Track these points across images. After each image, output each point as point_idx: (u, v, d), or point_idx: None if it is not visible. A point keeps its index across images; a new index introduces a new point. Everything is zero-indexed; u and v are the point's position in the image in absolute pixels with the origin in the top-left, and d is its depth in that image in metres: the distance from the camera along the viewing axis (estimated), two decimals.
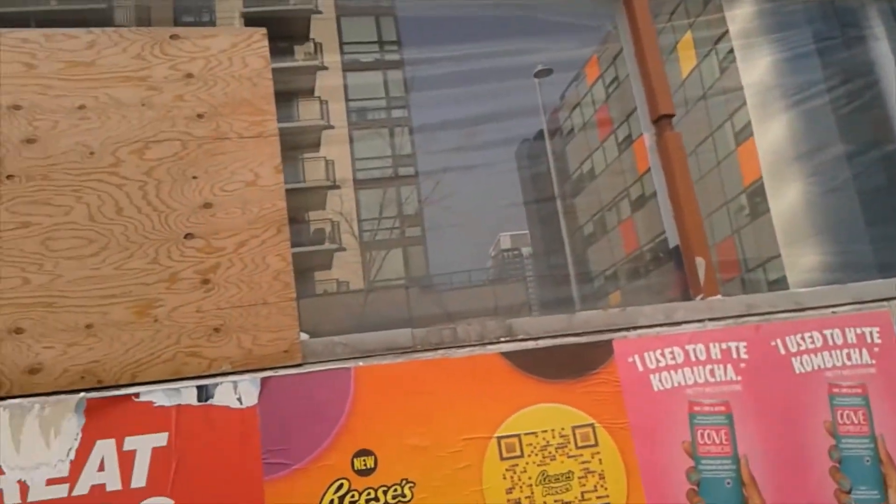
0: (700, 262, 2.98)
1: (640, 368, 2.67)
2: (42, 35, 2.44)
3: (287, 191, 2.61)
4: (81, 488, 2.09)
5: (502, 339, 2.60)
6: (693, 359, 2.74)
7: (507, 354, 2.55)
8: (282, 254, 2.45)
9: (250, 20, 3.23)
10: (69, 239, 2.29)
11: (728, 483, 2.65)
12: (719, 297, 2.97)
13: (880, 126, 4.06)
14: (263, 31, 2.65)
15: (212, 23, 3.49)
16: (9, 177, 2.30)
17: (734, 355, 2.78)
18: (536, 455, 2.45)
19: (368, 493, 2.30)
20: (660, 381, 2.67)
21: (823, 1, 4.12)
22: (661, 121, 3.12)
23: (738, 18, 4.63)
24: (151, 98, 2.47)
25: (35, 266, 2.24)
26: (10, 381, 2.14)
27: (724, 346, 2.78)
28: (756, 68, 4.99)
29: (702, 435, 2.68)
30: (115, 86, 2.45)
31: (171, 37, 2.53)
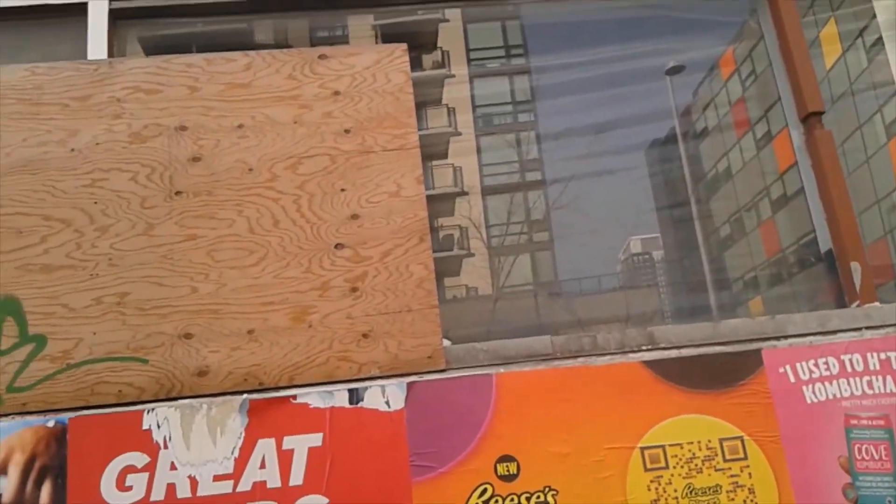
0: (856, 266, 2.83)
1: (792, 379, 2.56)
2: (204, 59, 2.63)
3: None
4: (244, 485, 2.24)
5: (644, 348, 2.56)
6: (849, 370, 2.60)
7: (648, 363, 2.51)
8: (424, 262, 2.53)
9: (382, 34, 3.34)
10: (232, 250, 2.45)
11: (889, 501, 2.50)
12: (877, 303, 2.80)
13: None
14: (404, 46, 2.75)
15: (345, 37, 3.63)
16: (177, 193, 2.50)
17: (894, 366, 2.61)
18: (682, 467, 2.40)
19: (511, 499, 2.33)
20: (813, 392, 2.55)
21: None
22: (810, 119, 2.98)
23: (886, 8, 4.34)
24: (303, 116, 2.61)
25: (202, 276, 2.42)
26: (180, 383, 2.32)
27: (882, 356, 2.62)
28: None
29: (859, 450, 2.54)
30: (270, 105, 2.61)
31: (320, 56, 2.67)
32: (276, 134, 2.58)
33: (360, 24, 3.65)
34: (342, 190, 2.56)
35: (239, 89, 2.61)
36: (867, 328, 2.66)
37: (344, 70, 2.68)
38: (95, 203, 2.44)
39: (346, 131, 2.62)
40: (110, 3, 2.71)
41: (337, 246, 2.50)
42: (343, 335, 2.39)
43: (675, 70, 4.45)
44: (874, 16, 4.51)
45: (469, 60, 5.64)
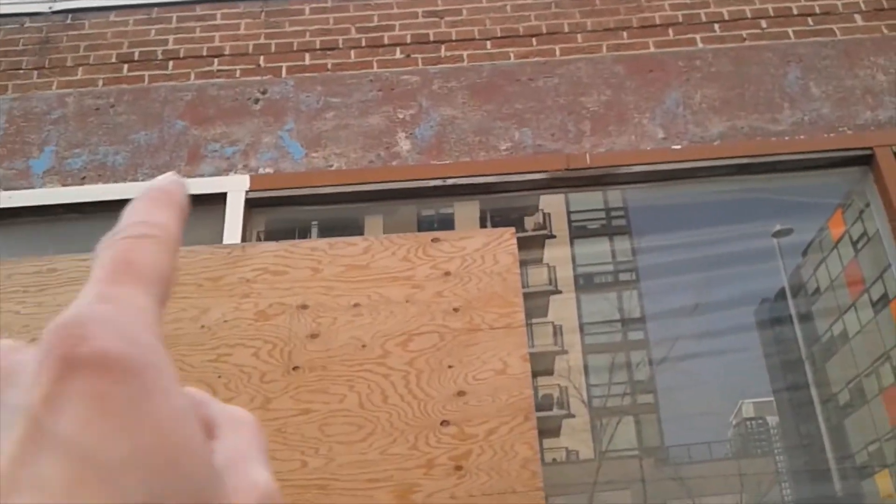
0: None
1: None
2: (327, 244, 2.85)
3: None
4: None
5: None
6: None
7: None
8: (529, 442, 2.53)
9: (486, 201, 3.54)
10: (342, 425, 2.54)
11: None
12: None
13: None
14: (512, 230, 2.89)
15: (450, 217, 3.83)
16: (294, 368, 2.64)
17: None
18: None
19: None
20: None
21: None
22: None
23: None
24: (415, 295, 2.75)
25: (313, 450, 2.50)
26: None
27: None
28: None
29: None
30: (385, 285, 2.77)
31: (433, 240, 2.84)
32: (390, 312, 2.72)
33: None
34: (449, 367, 2.63)
35: (357, 270, 2.80)
36: None
37: (455, 252, 2.83)
38: (219, 377, 2.60)
39: (455, 310, 2.73)
40: (247, 194, 3.00)
41: (443, 423, 2.54)
42: None
43: (783, 233, 4.44)
44: None
45: (570, 221, 5.79)
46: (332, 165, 3.22)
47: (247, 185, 3.06)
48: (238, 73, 3.49)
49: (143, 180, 3.23)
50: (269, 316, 2.70)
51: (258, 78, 3.43)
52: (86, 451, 0.22)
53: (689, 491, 5.11)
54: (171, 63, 3.58)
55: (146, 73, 3.57)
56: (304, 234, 3.51)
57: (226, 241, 2.97)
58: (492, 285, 2.78)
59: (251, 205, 3.02)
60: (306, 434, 2.53)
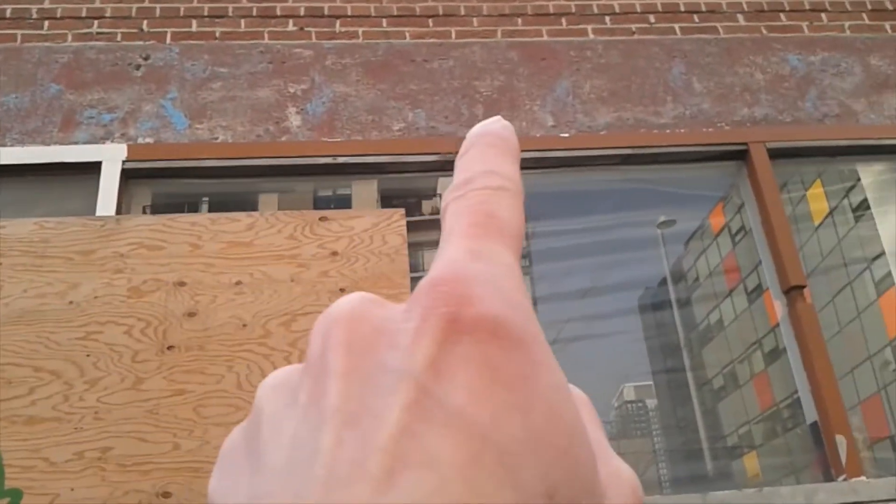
0: (840, 440, 2.83)
1: None
2: (208, 219, 2.75)
3: None
4: None
5: None
6: None
7: None
8: None
9: (384, 185, 3.50)
10: (218, 406, 2.47)
11: None
12: (863, 478, 2.78)
13: None
14: (402, 211, 2.87)
15: (347, 198, 3.79)
16: (169, 347, 2.54)
17: None
18: None
19: None
20: None
21: None
22: (792, 292, 3.07)
23: (870, 172, 4.56)
24: (300, 274, 2.69)
25: (186, 432, 2.42)
26: None
27: None
28: (893, 217, 4.84)
29: None
30: (269, 263, 2.70)
31: (321, 219, 2.79)
32: (273, 291, 2.66)
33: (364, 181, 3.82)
34: None
35: (240, 247, 2.71)
36: None
37: (343, 232, 2.79)
38: (88, 356, 2.48)
39: (342, 290, 2.69)
40: (123, 164, 2.86)
41: None
42: None
43: (667, 224, 4.63)
44: (859, 179, 4.74)
45: None
46: (217, 138, 3.11)
47: (124, 155, 2.91)
48: (119, 36, 3.31)
49: (11, 146, 3.02)
50: (143, 293, 2.59)
51: (140, 43, 3.26)
52: (479, 428, 0.19)
53: None
54: (46, 23, 3.35)
55: (18, 32, 3.33)
56: (193, 209, 3.38)
57: (99, 212, 2.82)
58: (379, 266, 2.76)
59: (129, 176, 2.87)
60: (180, 415, 2.44)
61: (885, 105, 3.65)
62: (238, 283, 2.65)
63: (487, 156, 0.28)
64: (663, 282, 5.34)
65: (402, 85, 3.29)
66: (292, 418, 0.22)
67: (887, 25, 3.77)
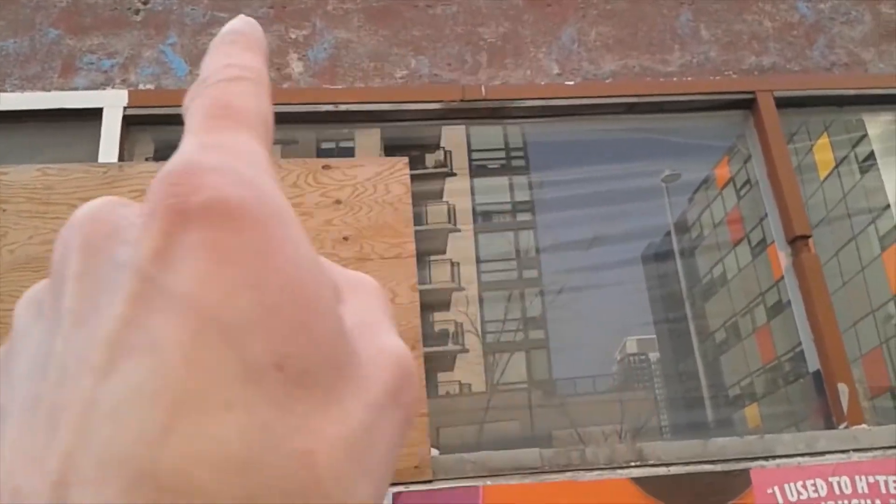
0: (843, 388, 2.85)
1: (780, 500, 2.54)
2: None
3: None
4: None
5: (632, 464, 2.56)
6: (837, 492, 2.59)
7: (637, 480, 2.51)
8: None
9: (387, 136, 3.46)
10: None
11: None
12: (864, 426, 2.81)
13: None
14: (405, 160, 2.85)
15: (351, 150, 3.76)
16: None
17: (883, 490, 2.60)
18: None
19: None
20: None
21: None
22: (797, 242, 3.06)
23: (878, 123, 4.51)
24: (304, 222, 2.67)
25: None
26: None
27: (871, 479, 2.61)
28: None
29: None
30: None
31: (324, 167, 2.78)
32: None
33: (367, 131, 3.79)
34: None
35: None
36: (854, 451, 2.66)
37: (346, 180, 2.77)
38: None
39: (345, 239, 2.70)
40: (125, 110, 2.83)
41: None
42: None
43: (672, 178, 4.60)
44: (865, 133, 4.69)
45: (471, 160, 5.80)
46: None
47: (125, 101, 2.88)
48: None
49: (10, 91, 2.99)
50: None
51: None
52: (205, 309, 0.19)
53: (573, 421, 5.33)
54: None
55: None
56: None
57: (102, 159, 2.80)
58: (383, 215, 2.76)
59: (130, 122, 2.85)
60: None
61: (894, 54, 3.59)
62: None
63: (226, 52, 0.27)
64: (668, 234, 5.34)
65: (405, 31, 3.24)
66: (37, 329, 0.23)
67: None
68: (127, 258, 0.21)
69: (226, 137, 0.23)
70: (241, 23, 0.29)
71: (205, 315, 0.19)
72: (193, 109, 0.25)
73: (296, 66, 3.08)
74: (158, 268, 0.20)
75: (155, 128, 2.94)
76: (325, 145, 3.66)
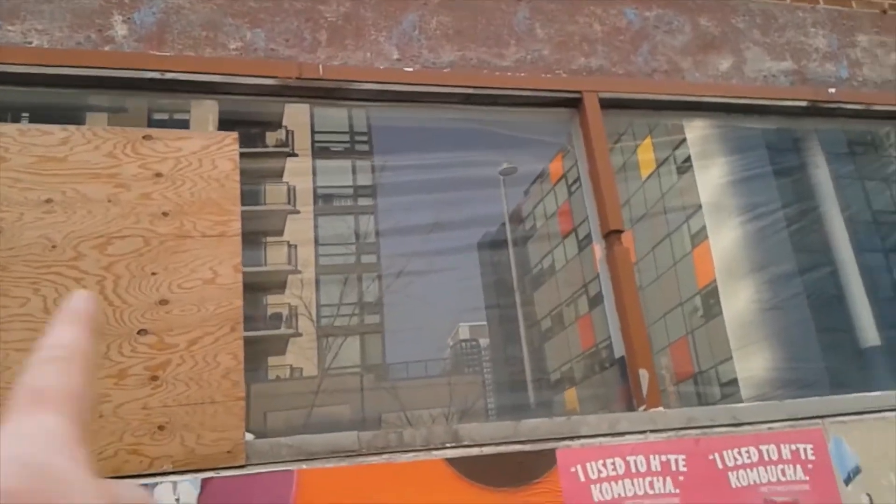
0: (644, 374, 3.08)
1: (582, 478, 2.71)
2: (17, 129, 2.52)
3: (247, 273, 2.67)
4: None
5: (448, 445, 2.63)
6: (633, 470, 2.79)
7: (451, 461, 2.58)
8: (234, 352, 2.49)
9: (225, 111, 3.31)
10: (21, 331, 2.31)
11: None
12: (661, 409, 3.05)
13: (819, 249, 4.27)
14: (234, 135, 2.76)
15: (186, 124, 3.59)
16: None
17: (673, 468, 2.84)
18: None
19: None
20: (600, 492, 2.71)
21: (769, 129, 4.38)
22: (611, 236, 3.26)
23: (693, 128, 4.90)
24: (119, 195, 2.54)
25: None
26: None
27: (664, 458, 2.84)
28: (711, 176, 5.26)
29: None
30: (84, 182, 2.52)
31: (144, 137, 2.63)
32: (87, 211, 2.49)
33: (203, 105, 3.61)
34: (153, 273, 2.49)
35: (52, 163, 2.51)
36: (651, 431, 2.88)
37: (169, 153, 2.65)
38: None
39: (165, 214, 2.57)
40: None
41: (140, 332, 2.41)
42: (136, 427, 2.28)
43: (509, 171, 4.76)
44: (685, 139, 5.07)
45: (314, 142, 5.70)
46: (31, 42, 2.82)
47: None
48: None
49: None
50: None
51: None
52: None
53: (403, 404, 5.41)
54: None
55: None
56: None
57: None
58: (208, 191, 2.65)
59: None
60: None
61: (709, 65, 3.90)
62: (48, 200, 2.46)
63: (55, 330, 0.34)
64: (503, 224, 5.53)
65: (242, 1, 3.13)
66: None
67: None
68: None
69: (32, 420, 0.29)
70: (75, 300, 0.35)
71: None
72: (16, 392, 0.30)
73: (119, 29, 2.89)
74: None
75: None
76: (157, 116, 3.46)
